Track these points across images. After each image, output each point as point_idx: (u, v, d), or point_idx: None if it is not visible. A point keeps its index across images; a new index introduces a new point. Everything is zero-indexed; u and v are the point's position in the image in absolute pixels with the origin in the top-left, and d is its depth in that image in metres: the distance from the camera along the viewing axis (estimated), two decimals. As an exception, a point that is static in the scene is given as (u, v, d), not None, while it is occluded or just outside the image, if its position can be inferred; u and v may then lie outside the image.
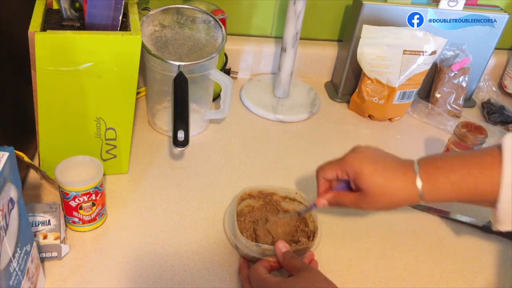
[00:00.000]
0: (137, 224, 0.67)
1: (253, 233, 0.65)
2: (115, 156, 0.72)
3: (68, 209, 0.62)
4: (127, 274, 0.60)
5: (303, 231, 0.66)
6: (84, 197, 0.61)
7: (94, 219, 0.64)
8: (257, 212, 0.69)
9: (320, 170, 0.62)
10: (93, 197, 0.62)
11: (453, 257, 0.69)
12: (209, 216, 0.70)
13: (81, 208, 0.61)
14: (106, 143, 0.70)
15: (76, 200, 0.60)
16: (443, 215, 0.75)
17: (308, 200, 0.67)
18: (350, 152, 0.60)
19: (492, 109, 1.06)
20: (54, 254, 0.59)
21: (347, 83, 1.02)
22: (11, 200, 0.45)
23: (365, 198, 0.57)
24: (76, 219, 0.63)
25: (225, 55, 0.99)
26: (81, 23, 0.64)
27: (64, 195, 0.60)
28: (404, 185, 0.55)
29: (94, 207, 0.63)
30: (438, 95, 1.02)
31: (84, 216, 0.63)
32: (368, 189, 0.56)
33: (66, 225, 0.64)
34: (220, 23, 0.78)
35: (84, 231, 0.64)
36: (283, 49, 0.93)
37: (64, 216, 0.63)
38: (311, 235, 0.65)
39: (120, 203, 0.70)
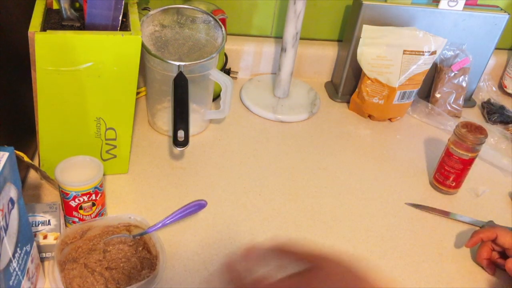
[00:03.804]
0: (137, 224, 0.67)
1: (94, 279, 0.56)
2: (115, 156, 0.72)
3: (68, 209, 0.62)
4: (127, 274, 0.60)
5: (146, 259, 0.60)
6: (84, 197, 0.61)
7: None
8: (85, 254, 0.59)
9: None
10: (93, 197, 0.62)
11: (453, 257, 0.69)
12: (209, 216, 0.70)
13: (81, 208, 0.61)
14: (106, 143, 0.70)
15: (76, 200, 0.60)
16: (443, 215, 0.75)
17: (145, 222, 0.62)
18: None
19: (492, 109, 1.06)
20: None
21: (347, 83, 1.02)
22: (11, 200, 0.45)
23: None
24: (76, 219, 0.63)
25: (225, 55, 0.99)
26: (81, 23, 0.64)
27: (64, 195, 0.60)
28: None
29: (94, 207, 0.63)
30: (438, 95, 1.02)
31: (84, 216, 0.63)
32: None
33: (66, 225, 0.64)
34: (220, 23, 0.78)
35: (84, 231, 0.64)
36: (283, 49, 0.93)
37: (64, 216, 0.63)
38: (156, 261, 0.59)
39: (120, 203, 0.70)
